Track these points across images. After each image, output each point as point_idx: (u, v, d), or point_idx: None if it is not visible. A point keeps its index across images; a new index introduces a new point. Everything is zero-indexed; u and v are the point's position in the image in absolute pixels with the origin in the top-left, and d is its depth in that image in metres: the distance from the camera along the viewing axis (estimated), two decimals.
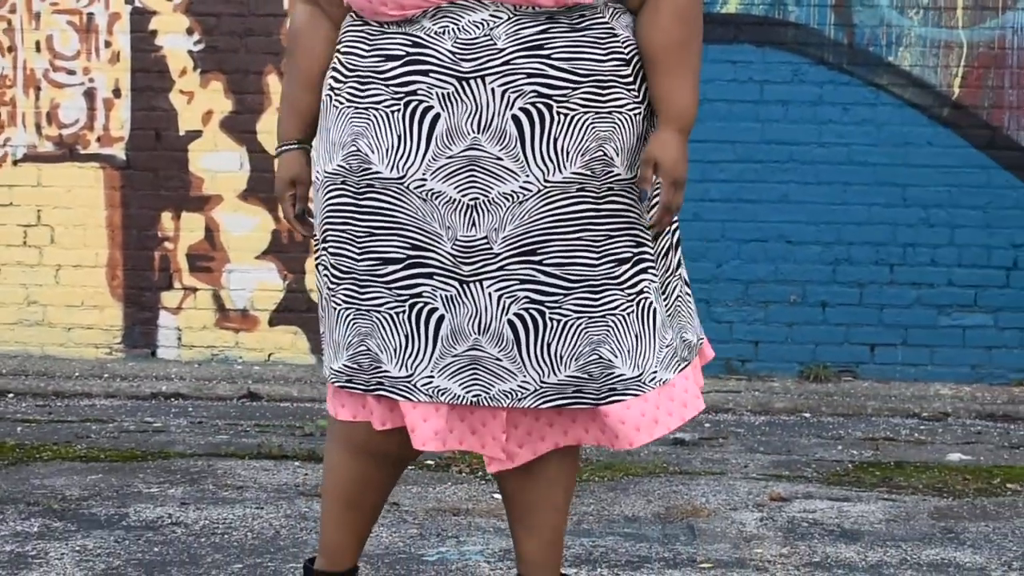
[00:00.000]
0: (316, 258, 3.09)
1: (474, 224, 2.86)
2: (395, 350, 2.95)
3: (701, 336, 3.27)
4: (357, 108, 2.92)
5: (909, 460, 5.98)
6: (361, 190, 2.91)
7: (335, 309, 3.01)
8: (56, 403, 7.09)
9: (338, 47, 3.01)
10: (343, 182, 2.93)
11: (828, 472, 5.69)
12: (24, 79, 7.90)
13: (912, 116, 7.64)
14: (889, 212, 7.69)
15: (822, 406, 7.17)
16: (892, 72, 7.64)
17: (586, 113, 2.89)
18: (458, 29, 2.85)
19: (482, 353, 2.92)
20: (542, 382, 2.94)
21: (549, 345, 2.93)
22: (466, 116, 2.85)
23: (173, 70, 7.83)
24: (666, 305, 3.08)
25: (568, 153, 2.88)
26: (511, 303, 2.90)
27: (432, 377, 2.94)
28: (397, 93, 2.87)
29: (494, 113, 2.85)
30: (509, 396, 2.94)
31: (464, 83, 2.84)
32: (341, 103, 2.95)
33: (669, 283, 3.12)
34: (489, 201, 2.86)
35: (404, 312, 2.92)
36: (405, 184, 2.87)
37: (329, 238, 2.99)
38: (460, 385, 2.94)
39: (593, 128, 2.90)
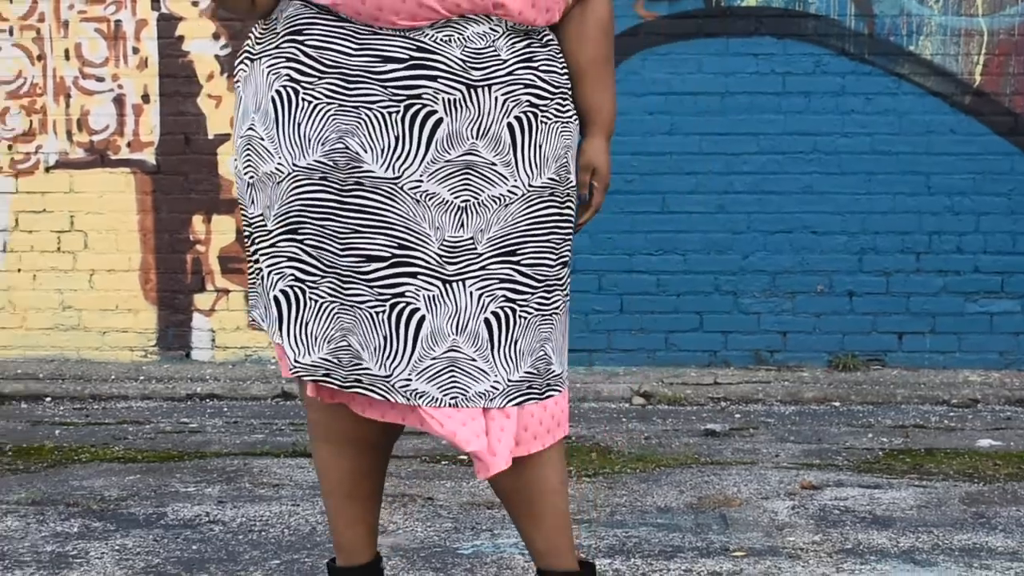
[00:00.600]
0: (267, 248, 3.02)
1: (462, 225, 2.92)
2: (375, 349, 2.96)
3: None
4: (343, 105, 2.90)
5: (939, 447, 5.99)
6: (347, 187, 2.91)
7: (316, 302, 2.99)
8: (93, 406, 7.15)
9: (293, 37, 2.95)
10: (323, 178, 2.91)
11: (859, 460, 5.71)
12: (54, 87, 7.97)
13: (934, 104, 7.66)
14: (914, 201, 7.71)
15: (851, 395, 7.19)
16: (913, 61, 7.65)
17: (557, 122, 3.03)
18: (464, 39, 2.90)
19: (459, 354, 2.96)
20: (508, 380, 3.00)
21: (516, 342, 3.00)
22: (468, 122, 2.90)
23: (200, 75, 7.89)
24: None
25: (547, 159, 3.00)
26: (489, 302, 2.96)
27: (410, 380, 2.95)
28: (397, 95, 2.88)
29: (493, 120, 2.92)
30: (483, 397, 2.98)
31: (472, 90, 2.90)
32: (316, 98, 2.91)
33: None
34: (479, 203, 2.92)
35: (384, 312, 2.94)
36: (399, 184, 2.89)
37: (305, 231, 2.95)
38: (438, 388, 2.96)
39: (561, 136, 3.05)
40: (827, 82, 7.69)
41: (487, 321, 2.96)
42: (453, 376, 2.96)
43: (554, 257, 3.05)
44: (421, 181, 2.89)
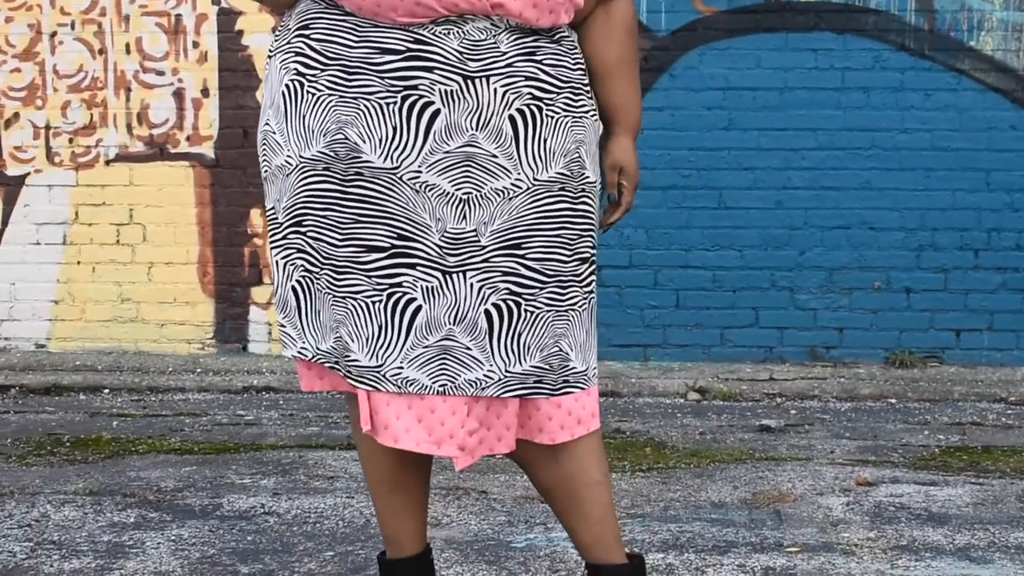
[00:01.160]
0: (279, 240, 3.08)
1: (465, 217, 2.92)
2: (367, 339, 2.98)
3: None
4: (343, 97, 2.93)
5: (996, 444, 5.96)
6: (348, 177, 2.93)
7: (320, 291, 3.03)
8: (150, 398, 7.21)
9: (302, 32, 3.00)
10: (326, 168, 2.94)
11: (915, 457, 5.68)
12: (115, 81, 8.03)
13: (995, 100, 7.61)
14: (973, 197, 7.66)
15: (908, 392, 7.15)
16: (974, 57, 7.61)
17: (566, 116, 3.01)
18: (463, 32, 2.91)
19: (453, 343, 2.96)
20: (507, 371, 2.99)
21: (520, 335, 2.99)
22: (466, 114, 2.90)
23: (260, 69, 7.93)
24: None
25: (554, 153, 2.98)
26: (491, 294, 2.96)
27: (401, 368, 2.97)
28: (394, 86, 2.90)
29: (493, 112, 2.92)
30: (473, 385, 2.97)
31: (469, 82, 2.90)
32: (319, 90, 2.95)
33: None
34: (482, 196, 2.92)
35: (381, 301, 2.95)
36: (398, 175, 2.90)
37: (308, 222, 2.99)
38: (428, 376, 2.96)
39: (572, 131, 3.02)
40: (887, 78, 7.66)
41: (487, 312, 2.96)
42: (443, 364, 2.97)
43: (568, 253, 3.03)
44: (420, 172, 2.90)
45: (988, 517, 4.66)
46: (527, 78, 2.95)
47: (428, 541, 3.39)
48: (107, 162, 8.06)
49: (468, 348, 2.96)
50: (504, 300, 2.97)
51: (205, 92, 7.99)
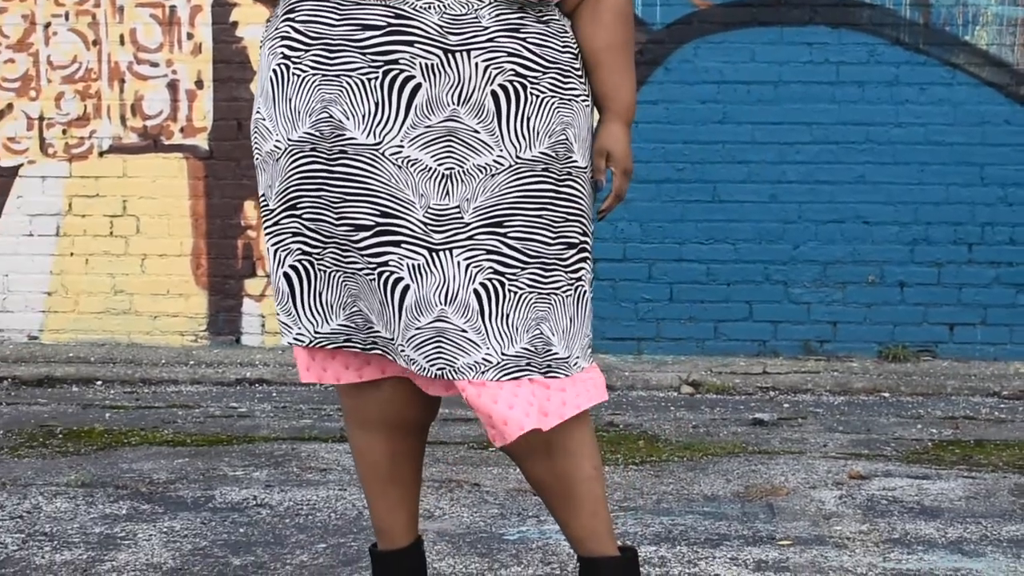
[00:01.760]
0: (272, 227, 3.08)
1: (447, 193, 2.91)
2: (378, 313, 2.99)
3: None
4: (326, 76, 2.92)
5: (989, 438, 5.96)
6: (333, 156, 2.93)
7: (325, 271, 3.03)
8: (143, 389, 7.20)
9: (288, 15, 3.00)
10: (313, 149, 2.94)
11: (907, 451, 5.69)
12: (109, 72, 8.02)
13: (989, 95, 7.61)
14: (967, 191, 7.66)
15: (901, 386, 7.16)
16: (969, 51, 7.61)
17: (552, 97, 2.99)
18: (443, 6, 2.90)
19: (448, 325, 2.94)
20: (503, 353, 2.98)
21: (508, 316, 2.97)
22: (447, 88, 2.89)
23: (254, 60, 7.91)
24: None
25: (538, 133, 2.96)
26: (477, 272, 2.94)
27: (404, 347, 2.97)
28: (375, 61, 2.89)
29: (475, 87, 2.91)
30: (473, 369, 2.96)
31: (450, 55, 2.89)
32: (303, 71, 2.95)
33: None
34: (464, 172, 2.91)
35: (375, 280, 2.95)
36: (380, 151, 2.89)
37: (303, 204, 2.99)
38: (425, 358, 2.96)
39: (558, 112, 3.00)
40: (881, 72, 7.66)
41: (476, 292, 2.95)
42: (440, 348, 2.96)
43: (551, 235, 3.00)
44: (402, 147, 2.89)
45: (980, 511, 4.66)
46: (510, 54, 2.93)
47: (420, 533, 3.39)
48: (101, 153, 8.05)
49: (464, 330, 2.95)
50: (490, 279, 2.95)
51: (199, 84, 7.98)
